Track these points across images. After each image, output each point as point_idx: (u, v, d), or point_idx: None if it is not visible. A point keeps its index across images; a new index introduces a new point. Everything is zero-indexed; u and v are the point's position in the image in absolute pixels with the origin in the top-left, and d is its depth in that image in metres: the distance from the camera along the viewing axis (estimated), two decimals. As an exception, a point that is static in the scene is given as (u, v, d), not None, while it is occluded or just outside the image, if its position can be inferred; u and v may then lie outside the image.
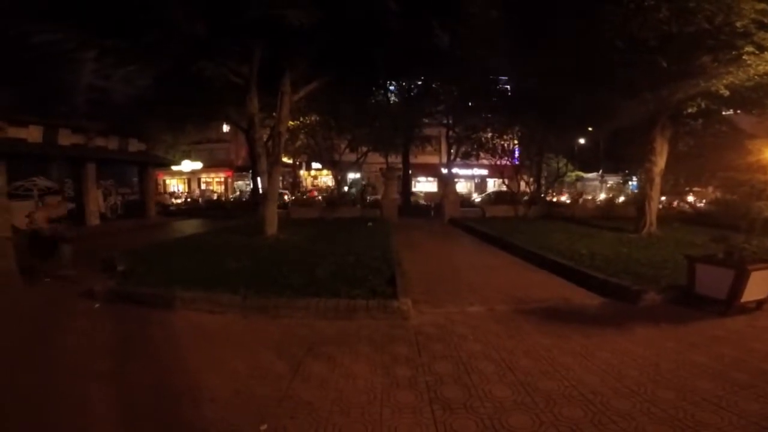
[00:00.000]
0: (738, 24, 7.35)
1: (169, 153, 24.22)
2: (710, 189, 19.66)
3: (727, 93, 8.69)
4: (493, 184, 33.98)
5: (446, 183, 18.80)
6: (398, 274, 6.05)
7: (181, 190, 36.37)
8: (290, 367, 3.51)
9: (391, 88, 20.80)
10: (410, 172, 23.93)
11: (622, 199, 20.63)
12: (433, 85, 19.75)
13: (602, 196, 26.74)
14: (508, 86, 18.44)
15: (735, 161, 13.21)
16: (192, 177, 37.34)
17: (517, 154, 21.78)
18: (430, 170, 31.40)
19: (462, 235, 13.19)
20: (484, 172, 31.93)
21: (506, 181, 21.36)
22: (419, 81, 20.11)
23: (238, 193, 31.19)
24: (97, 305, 5.30)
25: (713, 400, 2.90)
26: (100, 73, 11.35)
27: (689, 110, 10.66)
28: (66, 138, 13.86)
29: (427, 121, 21.99)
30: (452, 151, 21.79)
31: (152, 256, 7.58)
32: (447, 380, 3.27)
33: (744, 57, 7.88)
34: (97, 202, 14.90)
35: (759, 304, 4.90)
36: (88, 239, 12.07)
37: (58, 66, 11.91)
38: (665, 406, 2.83)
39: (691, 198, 20.97)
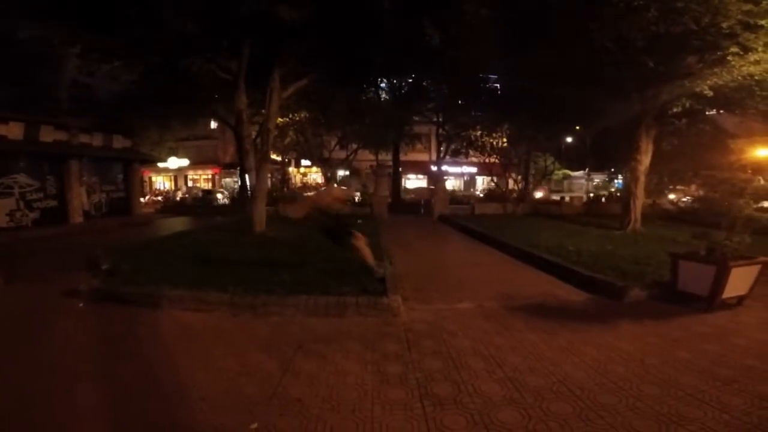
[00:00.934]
0: (724, 25, 7.48)
1: (155, 150, 23.86)
2: (693, 187, 20.09)
3: (710, 93, 8.87)
4: (482, 182, 34.25)
5: (436, 180, 18.87)
6: (388, 271, 6.06)
7: (166, 188, 35.84)
8: (280, 364, 3.50)
9: (382, 85, 20.79)
10: (400, 169, 23.96)
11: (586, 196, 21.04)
12: (424, 83, 19.79)
13: (576, 194, 27.43)
14: (498, 85, 18.57)
15: (717, 160, 13.50)
16: (179, 174, 36.83)
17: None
18: (420, 168, 31.48)
19: (451, 232, 13.26)
20: (474, 169, 32.15)
21: (495, 179, 21.54)
22: (410, 79, 20.12)
23: (226, 193, 30.73)
24: (81, 305, 5.20)
25: (697, 395, 2.95)
26: (84, 69, 11.10)
27: (674, 110, 10.87)
28: (48, 134, 13.54)
29: (417, 118, 22.04)
30: (442, 148, 21.89)
31: (137, 255, 7.47)
32: (437, 376, 3.29)
33: (729, 58, 8.04)
34: (80, 199, 14.59)
35: (740, 300, 5.02)
36: (71, 237, 11.86)
37: (42, 62, 11.63)
38: (650, 401, 2.88)
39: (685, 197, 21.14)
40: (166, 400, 2.95)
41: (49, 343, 4.07)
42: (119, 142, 16.70)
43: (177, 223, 15.83)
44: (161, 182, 37.91)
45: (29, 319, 4.82)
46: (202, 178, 37.72)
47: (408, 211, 19.73)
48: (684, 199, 18.92)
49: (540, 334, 4.17)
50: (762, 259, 5.06)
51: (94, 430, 2.64)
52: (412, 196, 25.29)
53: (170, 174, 36.83)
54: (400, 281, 6.03)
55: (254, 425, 2.62)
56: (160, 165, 30.41)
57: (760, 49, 7.81)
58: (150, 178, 37.17)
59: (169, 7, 7.44)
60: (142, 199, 25.62)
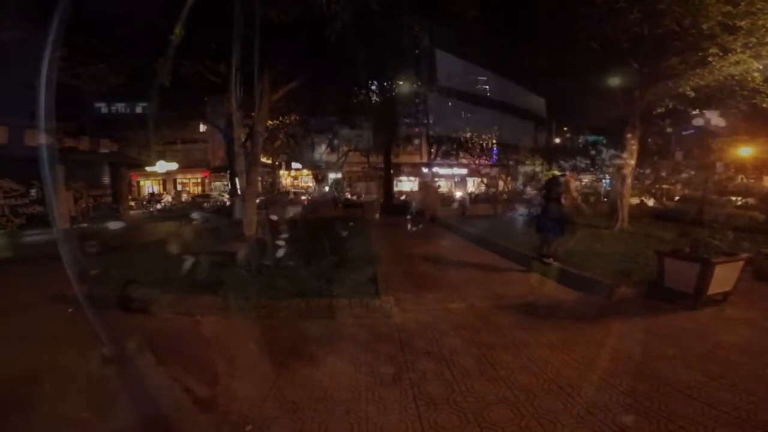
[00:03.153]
0: (704, 26, 7.64)
1: (143, 153, 23.54)
2: (678, 186, 20.48)
3: (693, 94, 9.06)
4: (473, 183, 34.47)
5: (427, 182, 18.93)
6: (380, 273, 6.08)
7: (156, 192, 35.37)
8: (273, 367, 3.49)
9: (373, 87, 20.80)
10: (392, 171, 23.99)
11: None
12: (414, 85, 19.85)
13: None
14: (487, 87, 18.74)
15: (700, 159, 13.81)
16: (167, 178, 36.41)
17: (495, 153, 22.20)
18: (412, 170, 31.57)
19: (443, 233, 13.30)
20: (464, 171, 32.34)
21: (485, 180, 21.69)
22: (400, 81, 20.17)
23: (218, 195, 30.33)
24: (70, 310, 5.12)
25: (685, 391, 3.00)
26: (69, 71, 10.93)
27: (658, 110, 11.06)
28: (33, 138, 13.31)
29: (408, 120, 22.09)
30: (433, 150, 21.99)
31: (127, 259, 7.38)
32: (430, 376, 3.31)
33: (709, 59, 8.23)
34: (67, 204, 14.35)
35: (725, 296, 5.09)
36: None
37: (24, 65, 11.37)
38: (640, 397, 2.92)
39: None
40: (159, 404, 2.93)
41: (38, 347, 4.01)
42: (106, 146, 16.48)
43: (166, 228, 15.64)
44: (150, 186, 37.40)
45: (18, 323, 4.74)
46: (191, 182, 37.34)
47: (400, 212, 19.75)
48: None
49: (531, 333, 4.22)
50: (744, 255, 5.18)
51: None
52: (404, 197, 25.36)
53: (159, 178, 36.39)
54: (392, 282, 6.05)
55: (248, 427, 2.62)
56: (149, 169, 30.02)
57: (739, 50, 8.00)
58: (138, 182, 36.70)
59: (156, 8, 7.38)
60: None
